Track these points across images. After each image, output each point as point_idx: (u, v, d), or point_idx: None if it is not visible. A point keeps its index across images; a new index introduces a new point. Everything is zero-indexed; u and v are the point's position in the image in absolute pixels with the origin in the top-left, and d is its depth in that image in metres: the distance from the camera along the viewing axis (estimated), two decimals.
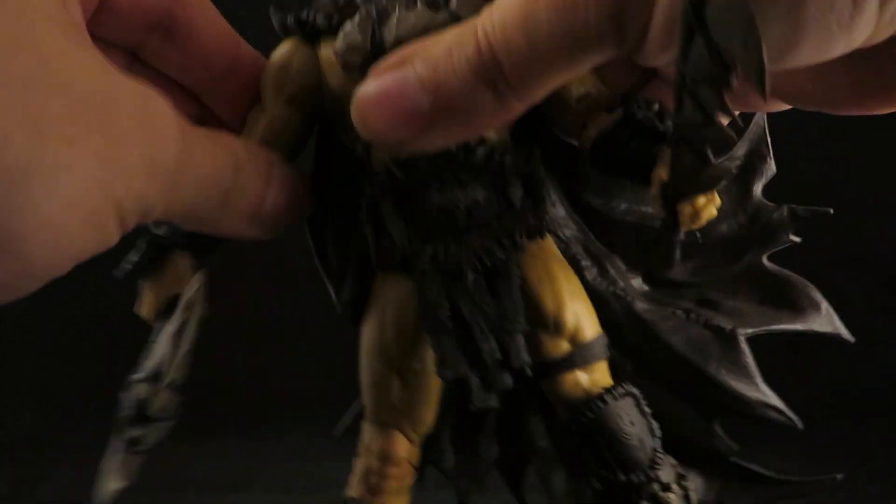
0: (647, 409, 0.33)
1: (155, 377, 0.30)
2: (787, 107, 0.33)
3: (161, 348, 0.31)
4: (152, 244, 0.34)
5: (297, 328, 0.85)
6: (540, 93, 0.29)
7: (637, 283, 0.36)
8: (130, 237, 0.34)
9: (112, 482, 0.30)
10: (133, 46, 0.35)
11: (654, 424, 0.33)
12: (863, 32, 0.26)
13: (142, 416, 0.30)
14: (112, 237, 0.28)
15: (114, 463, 0.30)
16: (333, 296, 0.37)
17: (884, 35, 0.26)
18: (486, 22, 0.28)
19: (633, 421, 0.33)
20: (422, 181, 0.32)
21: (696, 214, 0.29)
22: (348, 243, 0.36)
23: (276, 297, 0.88)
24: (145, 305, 0.34)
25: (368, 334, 0.35)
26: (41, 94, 0.26)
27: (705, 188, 0.28)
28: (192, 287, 0.32)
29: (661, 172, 0.29)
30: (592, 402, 0.33)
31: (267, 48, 0.36)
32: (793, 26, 0.25)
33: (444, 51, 0.28)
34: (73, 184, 0.26)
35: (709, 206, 0.29)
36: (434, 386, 0.35)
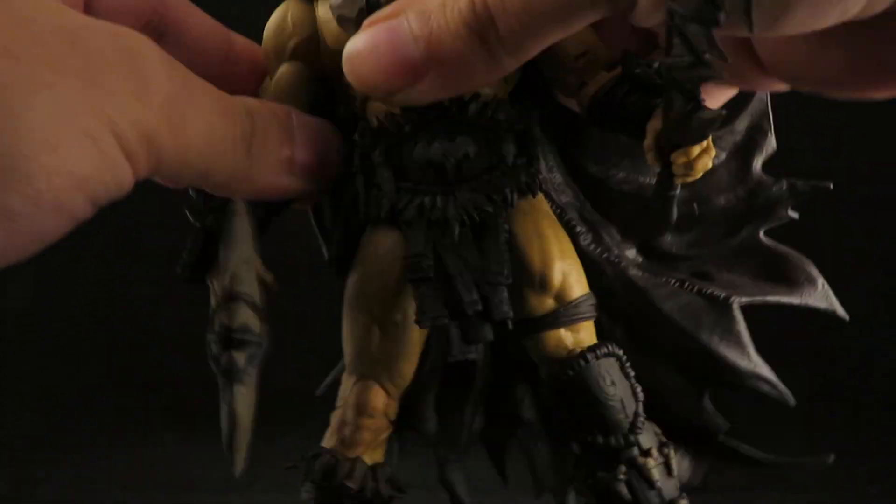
0: (630, 372, 0.33)
1: (226, 298, 0.29)
2: (787, 87, 0.33)
3: (222, 266, 0.30)
4: (202, 234, 0.33)
5: (297, 328, 0.85)
6: (532, 51, 0.29)
7: (632, 253, 0.35)
8: (158, 242, 0.33)
9: (228, 422, 0.28)
10: None
11: (638, 387, 0.33)
12: (858, 1, 0.25)
13: (228, 340, 0.29)
14: (120, 166, 0.27)
15: (223, 403, 0.28)
16: (325, 252, 0.37)
17: (879, 7, 0.26)
18: None
19: (614, 381, 0.32)
20: (412, 133, 0.32)
21: (689, 164, 0.28)
22: (342, 199, 0.35)
23: (277, 298, 0.88)
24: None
25: (352, 285, 0.34)
26: (7, 25, 0.25)
27: (697, 134, 0.28)
28: (238, 205, 0.31)
29: (655, 123, 0.29)
30: (573, 360, 0.32)
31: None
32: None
33: (438, 3, 0.28)
34: (55, 99, 0.25)
35: (703, 157, 0.28)
36: (415, 339, 0.34)
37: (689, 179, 0.29)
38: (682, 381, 0.35)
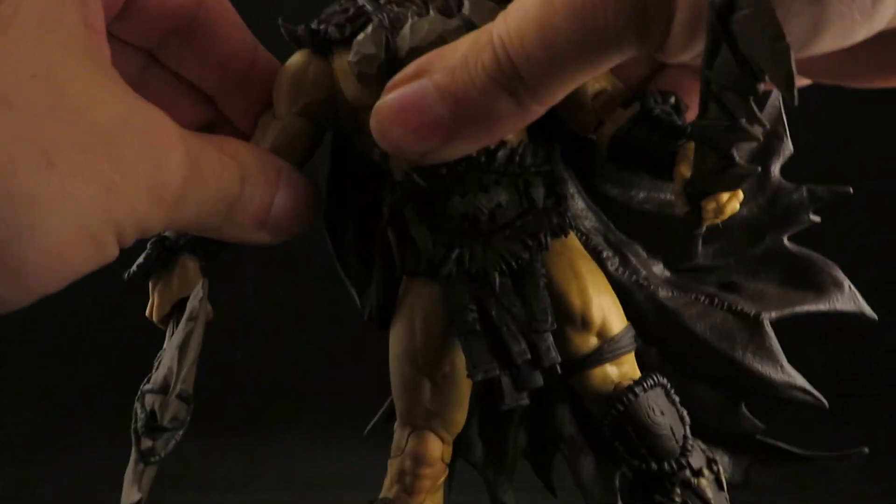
0: (675, 398, 0.34)
1: (163, 388, 0.31)
2: (808, 82, 0.33)
3: (168, 360, 0.31)
4: (160, 246, 0.34)
5: (297, 328, 0.85)
6: (559, 95, 0.29)
7: (659, 269, 0.36)
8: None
9: (131, 496, 0.30)
10: (152, 48, 0.35)
11: (683, 412, 0.34)
12: (884, 18, 0.26)
13: (154, 426, 0.31)
14: (110, 255, 0.28)
15: (132, 476, 0.31)
16: (357, 301, 0.37)
17: None
18: (501, 28, 0.28)
19: (663, 411, 0.33)
20: (444, 187, 0.32)
21: (719, 210, 0.29)
22: (370, 249, 0.36)
23: (276, 298, 0.88)
24: (154, 308, 0.34)
25: (397, 339, 0.35)
26: (54, 123, 0.26)
27: (730, 187, 0.28)
28: (196, 296, 0.32)
29: (683, 169, 0.29)
30: (623, 395, 0.33)
31: (273, 52, 0.36)
32: (816, 18, 0.25)
33: (460, 59, 0.28)
34: (77, 212, 0.26)
35: (732, 201, 0.29)
36: (465, 387, 0.35)
37: (717, 221, 0.29)
38: (720, 396, 0.36)
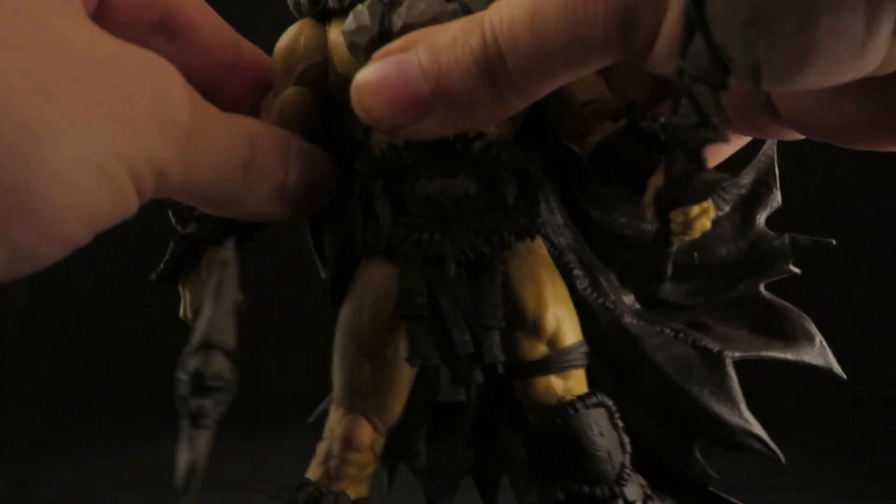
0: (619, 423, 0.33)
1: (204, 345, 0.29)
2: (800, 137, 0.33)
3: (206, 312, 0.30)
4: (182, 241, 0.33)
5: (296, 328, 0.85)
6: (540, 92, 0.28)
7: (629, 299, 0.35)
8: (158, 242, 0.33)
9: (186, 464, 0.29)
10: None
11: (626, 439, 0.33)
12: (874, 60, 0.25)
13: (199, 386, 0.29)
14: (129, 200, 0.27)
15: (184, 444, 0.29)
16: (323, 277, 0.37)
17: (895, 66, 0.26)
18: (494, 15, 0.28)
19: (602, 432, 0.32)
20: (414, 167, 0.32)
21: (688, 224, 0.28)
22: (340, 226, 0.35)
23: (275, 297, 0.88)
24: (188, 306, 0.33)
25: (344, 316, 0.34)
26: (42, 55, 0.26)
27: (698, 194, 0.27)
28: (226, 247, 0.31)
29: (657, 179, 0.29)
30: (563, 408, 0.32)
31: (267, 48, 0.36)
32: (800, 50, 0.25)
33: (448, 39, 0.28)
34: (81, 138, 0.26)
35: (702, 217, 0.28)
36: (405, 376, 0.34)
37: (687, 238, 0.28)
38: (672, 433, 0.35)
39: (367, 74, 0.30)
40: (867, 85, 0.28)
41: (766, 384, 0.85)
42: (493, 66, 0.28)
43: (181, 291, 0.34)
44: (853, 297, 0.83)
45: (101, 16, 0.33)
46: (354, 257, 0.34)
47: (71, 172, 0.26)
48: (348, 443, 0.34)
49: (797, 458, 0.76)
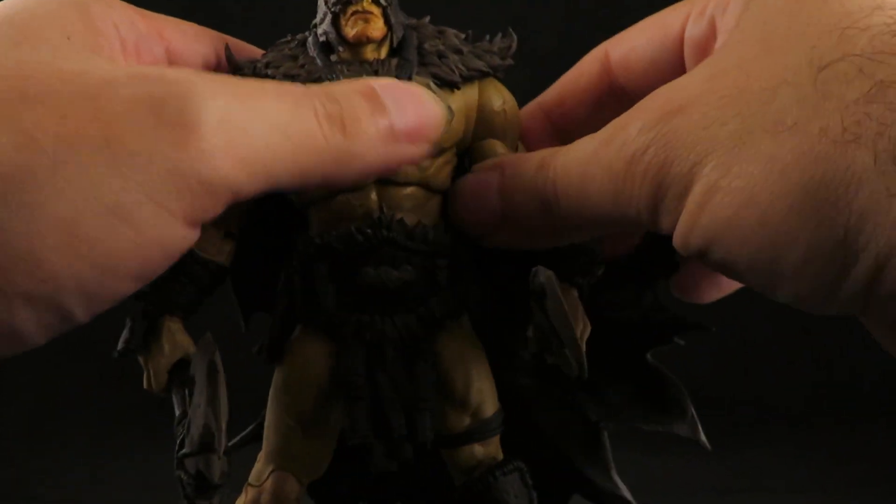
0: (529, 482, 0.36)
1: (203, 447, 0.30)
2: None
3: (200, 418, 0.31)
4: (140, 316, 0.33)
5: None
6: (589, 234, 0.33)
7: (527, 352, 0.37)
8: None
9: None
10: None
11: (534, 495, 0.36)
12: (847, 306, 0.27)
13: (205, 486, 0.31)
14: (164, 228, 0.26)
15: None
16: (243, 325, 0.38)
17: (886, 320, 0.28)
18: (562, 158, 0.31)
19: (517, 494, 0.35)
20: (359, 256, 0.33)
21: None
22: (271, 283, 0.36)
23: None
24: (153, 379, 0.33)
25: (283, 384, 0.36)
26: (24, 105, 0.25)
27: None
28: (210, 352, 0.31)
29: (539, 317, 0.32)
30: (484, 477, 0.35)
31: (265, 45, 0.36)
32: (779, 279, 0.27)
33: (528, 170, 0.32)
34: (76, 180, 0.25)
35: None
36: (333, 441, 0.36)
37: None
38: (551, 485, 0.38)
39: (462, 184, 0.34)
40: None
41: (763, 385, 0.86)
42: (548, 201, 0.32)
43: (143, 364, 0.34)
44: None
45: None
46: (290, 319, 0.35)
47: (68, 211, 0.25)
48: (277, 497, 0.35)
49: (791, 460, 0.76)
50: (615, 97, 0.36)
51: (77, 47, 0.29)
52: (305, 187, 0.31)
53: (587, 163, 0.30)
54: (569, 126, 0.37)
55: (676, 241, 0.29)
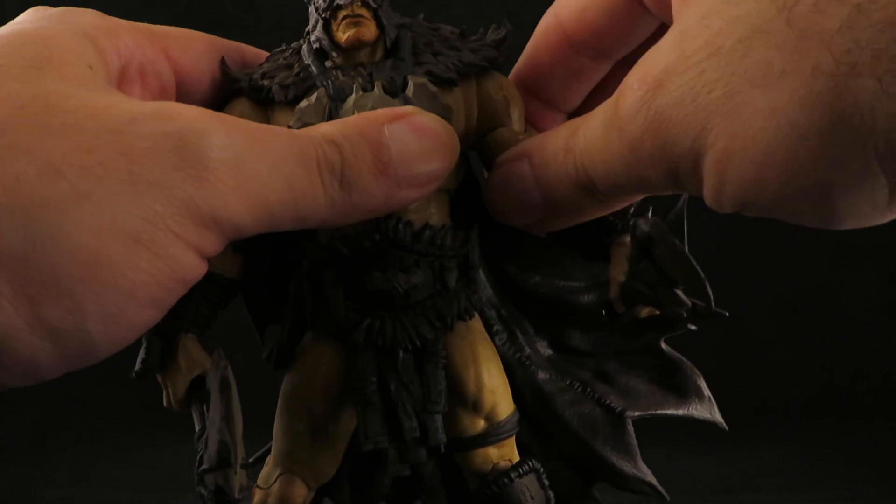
0: (546, 482, 0.36)
1: (221, 463, 0.31)
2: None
3: (216, 434, 0.31)
4: (155, 336, 0.33)
5: None
6: (631, 199, 0.33)
7: (543, 346, 0.37)
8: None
9: None
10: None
11: (551, 495, 0.36)
12: None
13: (225, 501, 0.31)
14: (180, 257, 0.27)
15: None
16: (259, 340, 0.38)
17: None
18: (581, 141, 0.31)
19: (533, 496, 0.35)
20: (367, 261, 0.33)
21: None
22: (282, 294, 0.36)
23: None
24: (172, 397, 0.34)
25: (293, 388, 0.36)
26: (50, 137, 0.26)
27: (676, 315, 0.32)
28: (222, 367, 0.32)
29: (617, 274, 0.32)
30: (499, 479, 0.35)
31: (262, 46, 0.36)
32: (826, 217, 0.27)
33: (552, 154, 0.32)
34: (99, 209, 0.26)
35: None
36: (343, 444, 0.36)
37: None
38: (573, 476, 0.38)
39: (493, 179, 0.33)
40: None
41: (764, 384, 0.86)
42: (586, 185, 0.31)
43: (161, 382, 0.34)
44: (853, 296, 0.83)
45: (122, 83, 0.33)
46: (300, 325, 0.36)
47: (94, 242, 0.26)
48: (283, 501, 0.36)
49: (791, 459, 0.76)
50: (584, 52, 0.35)
51: (99, 78, 0.29)
52: (306, 227, 0.31)
53: (604, 150, 0.30)
54: (552, 98, 0.36)
55: (710, 204, 0.29)
